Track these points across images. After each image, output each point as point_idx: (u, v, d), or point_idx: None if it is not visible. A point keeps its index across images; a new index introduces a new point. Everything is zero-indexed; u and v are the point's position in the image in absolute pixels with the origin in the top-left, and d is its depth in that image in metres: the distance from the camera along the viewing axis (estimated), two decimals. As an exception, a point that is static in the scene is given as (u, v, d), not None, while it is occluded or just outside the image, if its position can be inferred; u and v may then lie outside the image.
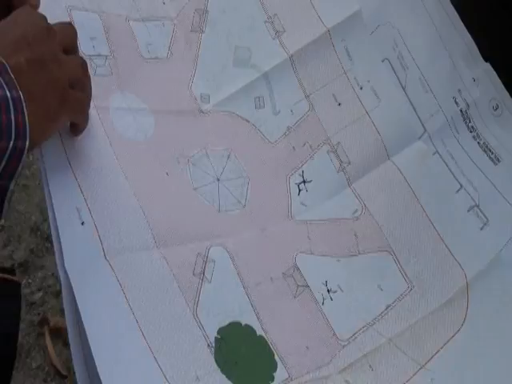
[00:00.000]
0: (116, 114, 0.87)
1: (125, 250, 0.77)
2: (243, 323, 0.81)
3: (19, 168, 0.64)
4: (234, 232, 0.88)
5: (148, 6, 0.97)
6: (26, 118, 0.64)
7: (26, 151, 0.64)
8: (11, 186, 0.65)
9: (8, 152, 0.63)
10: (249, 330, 0.81)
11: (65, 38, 0.73)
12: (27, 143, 0.64)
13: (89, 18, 0.90)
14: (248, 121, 0.98)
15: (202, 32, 1.00)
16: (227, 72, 0.99)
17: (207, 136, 0.94)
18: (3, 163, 0.63)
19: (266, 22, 1.02)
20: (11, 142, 0.63)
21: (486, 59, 1.06)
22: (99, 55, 0.89)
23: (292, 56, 1.00)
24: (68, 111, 0.71)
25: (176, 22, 0.99)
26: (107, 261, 0.75)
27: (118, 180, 0.82)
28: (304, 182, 0.97)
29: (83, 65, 0.75)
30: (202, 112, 0.96)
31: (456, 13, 1.06)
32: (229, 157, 0.95)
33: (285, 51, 1.00)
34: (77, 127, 0.77)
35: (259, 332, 0.81)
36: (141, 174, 0.84)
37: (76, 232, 0.76)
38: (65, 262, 0.74)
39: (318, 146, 0.98)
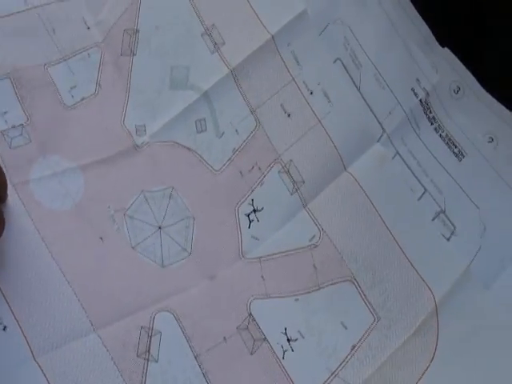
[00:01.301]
0: (38, 185, 0.54)
1: (57, 344, 0.49)
2: (196, 402, 0.49)
3: None
4: (181, 288, 0.55)
5: (70, 37, 0.60)
6: None
7: None
8: None
9: None
10: (202, 409, 0.50)
11: None
12: None
13: (-2, 91, 0.56)
14: (189, 148, 0.61)
15: (134, 54, 0.62)
16: (163, 97, 0.62)
17: (145, 176, 0.59)
18: None
19: (203, 34, 0.64)
20: None
21: (441, 44, 0.68)
22: (13, 127, 0.55)
23: (234, 69, 0.63)
24: None
25: (103, 45, 0.61)
26: (36, 362, 0.48)
27: (45, 266, 0.51)
28: (255, 211, 0.60)
29: None
30: (138, 147, 0.60)
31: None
32: (170, 196, 0.59)
33: (225, 65, 0.63)
34: None
35: (214, 410, 0.49)
36: (71, 249, 0.53)
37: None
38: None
39: (268, 166, 0.62)
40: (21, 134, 0.56)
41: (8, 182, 0.53)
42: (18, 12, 0.59)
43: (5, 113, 0.56)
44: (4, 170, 0.52)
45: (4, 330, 0.49)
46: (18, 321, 0.49)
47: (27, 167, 0.55)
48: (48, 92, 0.58)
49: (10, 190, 0.53)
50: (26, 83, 0.58)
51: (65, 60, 0.59)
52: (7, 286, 0.50)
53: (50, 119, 0.57)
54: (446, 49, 0.67)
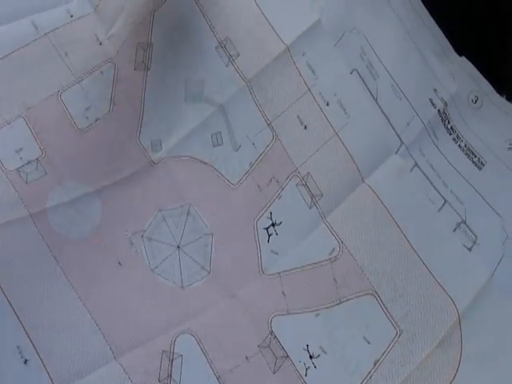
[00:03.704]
0: (56, 212, 0.53)
1: (78, 376, 0.48)
2: (220, 425, 0.48)
3: None
4: (201, 309, 0.54)
5: (83, 57, 0.58)
6: None
7: None
8: None
9: None
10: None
11: None
12: None
13: (11, 131, 0.55)
14: (206, 163, 0.60)
15: (148, 69, 0.60)
16: (179, 110, 0.60)
17: (162, 193, 0.58)
18: None
19: (217, 47, 0.62)
20: None
21: (459, 53, 0.67)
22: (29, 163, 0.54)
23: (249, 82, 0.61)
24: None
25: (116, 60, 0.60)
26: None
27: (64, 295, 0.51)
28: (273, 224, 0.59)
29: None
30: (154, 163, 0.59)
31: (423, 6, 0.67)
32: (188, 213, 0.58)
33: (241, 77, 0.62)
34: None
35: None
36: (90, 276, 0.52)
37: (18, 375, 0.46)
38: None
39: (286, 179, 0.60)
40: (36, 168, 0.54)
41: (25, 211, 0.52)
42: (29, 43, 0.57)
43: (20, 149, 0.55)
44: (21, 202, 0.52)
45: (25, 363, 0.48)
46: (38, 354, 0.49)
47: (44, 197, 0.54)
48: (62, 120, 0.57)
49: (28, 222, 0.52)
50: (40, 118, 0.56)
51: (78, 82, 0.58)
52: (27, 318, 0.49)
53: (64, 147, 0.56)
54: (463, 58, 0.66)
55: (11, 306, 0.49)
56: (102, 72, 0.58)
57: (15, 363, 0.48)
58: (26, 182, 0.53)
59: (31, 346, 0.48)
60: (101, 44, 0.59)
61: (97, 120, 0.57)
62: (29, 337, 0.49)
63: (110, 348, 0.50)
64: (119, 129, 0.58)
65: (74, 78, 0.58)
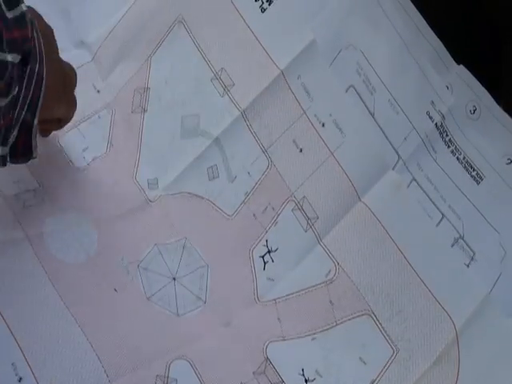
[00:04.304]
0: (52, 237, 0.56)
1: None
2: None
3: (40, 99, 0.45)
4: (196, 336, 0.57)
5: (79, 104, 0.58)
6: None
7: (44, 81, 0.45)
8: (35, 122, 0.46)
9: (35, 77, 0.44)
10: None
11: None
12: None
13: (8, 168, 0.53)
14: (202, 197, 0.62)
15: (145, 111, 0.63)
16: (175, 147, 0.63)
17: (158, 229, 0.60)
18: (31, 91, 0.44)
19: (212, 79, 0.64)
20: (36, 65, 0.44)
21: (457, 61, 0.67)
22: (27, 191, 0.57)
23: (244, 110, 0.63)
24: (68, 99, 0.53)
25: (113, 105, 0.63)
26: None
27: (60, 318, 0.52)
28: (269, 251, 0.61)
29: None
30: (151, 201, 0.61)
31: (420, 16, 0.66)
32: (184, 247, 0.60)
33: (236, 107, 0.63)
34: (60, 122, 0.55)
35: None
36: (86, 301, 0.54)
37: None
38: None
39: (282, 205, 0.62)
40: (34, 197, 0.57)
41: (22, 233, 0.54)
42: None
43: (17, 181, 0.57)
44: (18, 223, 0.54)
45: (20, 381, 0.50)
46: (33, 372, 0.51)
47: (41, 222, 0.56)
48: (59, 160, 0.60)
49: (24, 243, 0.55)
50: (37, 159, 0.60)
51: (75, 126, 0.61)
52: (22, 338, 0.51)
53: (62, 184, 0.59)
54: (461, 66, 0.65)
55: (6, 323, 0.51)
56: (99, 116, 0.62)
57: (10, 381, 0.50)
58: (24, 206, 0.56)
59: (26, 364, 0.50)
60: (98, 92, 0.62)
61: (94, 159, 0.61)
62: (23, 355, 0.51)
63: (105, 371, 0.52)
64: (116, 168, 0.61)
65: (70, 123, 0.60)
